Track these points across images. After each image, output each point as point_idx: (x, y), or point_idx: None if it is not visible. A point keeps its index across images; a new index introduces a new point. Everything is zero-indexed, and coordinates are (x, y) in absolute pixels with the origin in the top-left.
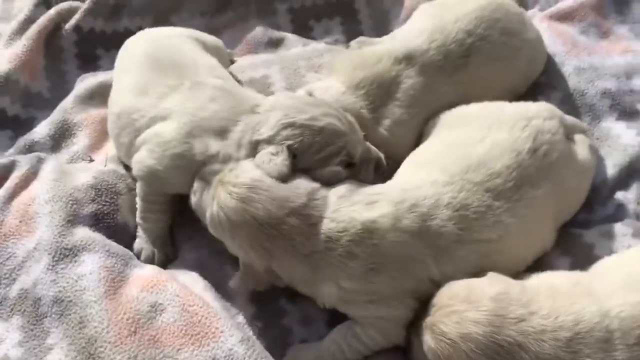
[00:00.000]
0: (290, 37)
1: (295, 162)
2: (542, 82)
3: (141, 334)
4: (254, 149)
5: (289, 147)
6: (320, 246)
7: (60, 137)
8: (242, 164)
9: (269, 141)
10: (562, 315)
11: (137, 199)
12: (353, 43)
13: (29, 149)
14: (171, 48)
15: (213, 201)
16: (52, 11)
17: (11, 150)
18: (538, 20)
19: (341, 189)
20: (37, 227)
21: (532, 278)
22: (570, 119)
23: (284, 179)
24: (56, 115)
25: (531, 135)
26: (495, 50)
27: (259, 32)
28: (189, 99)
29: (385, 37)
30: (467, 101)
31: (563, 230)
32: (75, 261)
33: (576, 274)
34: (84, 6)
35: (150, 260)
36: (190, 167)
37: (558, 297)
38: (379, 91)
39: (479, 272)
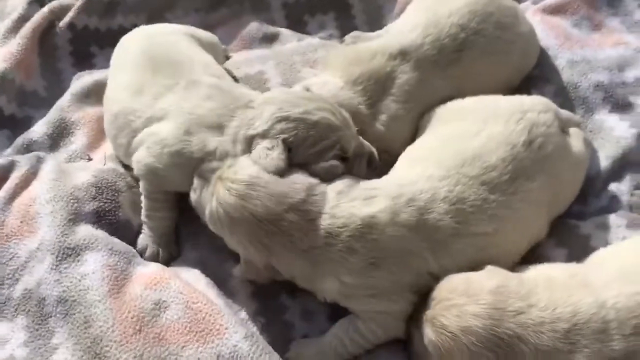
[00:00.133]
0: (284, 32)
1: (290, 157)
2: (536, 75)
3: (146, 332)
4: (249, 143)
5: (284, 141)
6: (320, 242)
7: (58, 136)
8: (240, 160)
9: (264, 135)
10: (559, 307)
11: (142, 198)
12: (347, 38)
13: (27, 148)
14: (167, 45)
15: (212, 198)
16: (46, 9)
17: (9, 150)
18: (531, 13)
19: (339, 185)
20: (39, 227)
21: (529, 270)
22: (564, 112)
23: (281, 173)
24: (53, 114)
25: (526, 128)
26: (489, 44)
27: (253, 27)
28: (185, 98)
29: (379, 32)
30: (462, 95)
31: (559, 222)
32: (78, 260)
33: (572, 266)
34: (78, 3)
35: (154, 258)
36: (189, 165)
37: (555, 289)
38: (375, 87)
39: (476, 265)
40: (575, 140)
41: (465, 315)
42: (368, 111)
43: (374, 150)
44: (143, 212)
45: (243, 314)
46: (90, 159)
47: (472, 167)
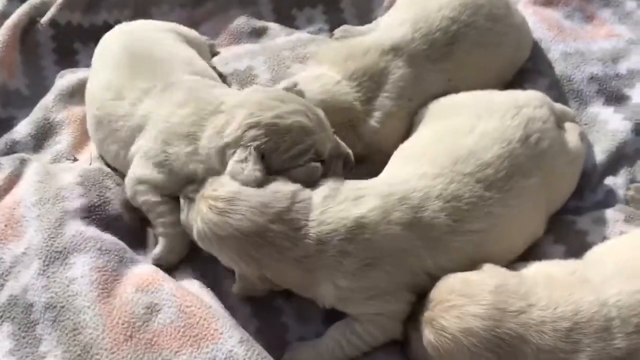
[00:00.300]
0: (273, 26)
1: (266, 164)
2: (529, 68)
3: (138, 339)
4: (222, 154)
5: (256, 149)
6: (311, 250)
7: (42, 137)
8: (221, 177)
9: (235, 143)
10: (561, 306)
11: (148, 215)
12: (337, 32)
13: (10, 149)
14: (148, 42)
15: (197, 217)
16: (26, 5)
17: None
18: (522, 5)
19: (324, 189)
20: (24, 231)
21: (528, 268)
22: (559, 106)
23: (260, 184)
24: (37, 113)
25: (522, 123)
26: (480, 36)
27: (241, 21)
28: (161, 104)
29: (369, 26)
30: (455, 90)
31: (556, 218)
32: (66, 264)
33: (571, 263)
34: None
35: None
36: (176, 174)
37: (555, 287)
38: (370, 83)
39: (473, 263)
40: (571, 135)
41: (466, 316)
42: (362, 107)
43: (349, 151)
44: (156, 226)
45: (237, 317)
46: (76, 160)
47: (466, 164)
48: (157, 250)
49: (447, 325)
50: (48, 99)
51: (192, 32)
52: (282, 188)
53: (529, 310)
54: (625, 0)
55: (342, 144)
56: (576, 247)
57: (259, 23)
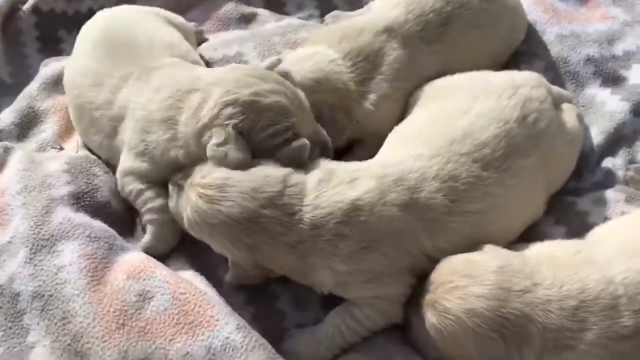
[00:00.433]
0: (262, 12)
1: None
2: (524, 50)
3: (130, 327)
4: (200, 136)
5: (234, 127)
6: (305, 234)
7: (26, 125)
8: (208, 164)
9: (211, 123)
10: (566, 285)
11: (136, 205)
12: (327, 17)
13: None
14: (128, 26)
15: (187, 205)
16: None
17: None
18: None
19: (318, 173)
20: (10, 219)
21: (530, 248)
22: (555, 89)
23: (244, 165)
24: (21, 102)
25: (519, 103)
26: (475, 17)
27: (229, 7)
28: (139, 92)
29: (360, 11)
30: (450, 72)
31: (556, 199)
32: (54, 252)
33: (574, 242)
34: None
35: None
36: (158, 162)
37: (560, 266)
38: (365, 64)
39: (472, 245)
40: (569, 115)
41: (469, 297)
42: (356, 88)
43: (328, 139)
44: (143, 214)
45: (231, 305)
46: (61, 149)
47: (462, 144)
48: (146, 239)
49: (450, 307)
50: (32, 87)
51: (178, 18)
52: (273, 172)
53: (534, 290)
54: None
55: (323, 131)
56: (577, 228)
57: (248, 9)
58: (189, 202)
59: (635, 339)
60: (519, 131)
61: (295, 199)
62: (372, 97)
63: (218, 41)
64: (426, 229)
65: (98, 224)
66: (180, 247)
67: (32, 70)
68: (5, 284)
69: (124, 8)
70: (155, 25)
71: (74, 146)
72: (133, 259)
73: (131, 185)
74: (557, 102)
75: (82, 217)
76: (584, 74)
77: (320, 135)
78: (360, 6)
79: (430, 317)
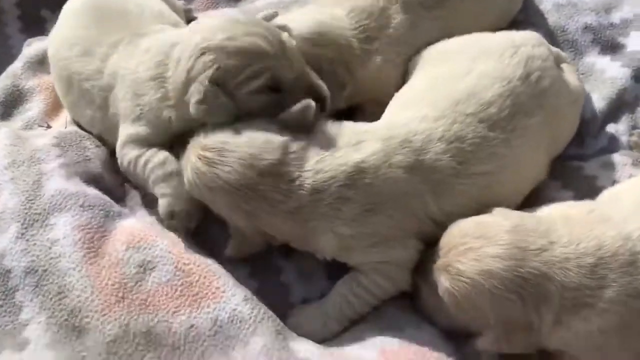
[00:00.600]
0: None
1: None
2: (521, 20)
3: (130, 299)
4: (184, 92)
5: (211, 81)
6: (305, 200)
7: (11, 104)
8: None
9: (189, 73)
10: (583, 242)
11: (138, 178)
12: None
13: None
14: None
15: (187, 165)
16: None
17: None
18: None
19: (322, 136)
20: None
21: (542, 210)
22: (554, 49)
23: (245, 126)
24: (4, 81)
25: (521, 62)
26: None
27: None
28: (130, 55)
29: None
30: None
31: (561, 164)
32: (46, 225)
33: (586, 203)
34: None
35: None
36: (155, 126)
37: (575, 224)
38: (369, 22)
39: (480, 207)
40: (570, 75)
41: (484, 258)
42: (360, 45)
43: (327, 93)
44: (153, 187)
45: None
46: (49, 127)
47: (467, 104)
48: (162, 210)
49: (465, 269)
50: (16, 66)
51: None
52: (273, 139)
53: (551, 248)
54: None
55: (320, 83)
56: (585, 192)
57: None
58: (188, 162)
59: None
60: (523, 89)
61: (295, 166)
62: (377, 60)
63: None
64: (432, 192)
65: (92, 191)
66: None
67: (15, 51)
68: None
69: None
70: None
71: (62, 123)
72: (133, 227)
73: (130, 154)
74: (556, 62)
75: (76, 185)
76: (582, 42)
77: (312, 83)
78: None
79: (444, 282)
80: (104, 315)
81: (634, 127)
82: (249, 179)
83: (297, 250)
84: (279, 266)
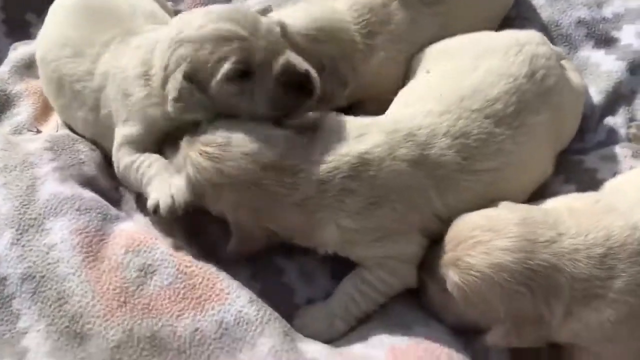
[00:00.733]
0: None
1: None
2: (514, 15)
3: (132, 304)
4: (164, 89)
5: (185, 77)
6: (312, 191)
7: None
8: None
9: (165, 69)
10: (591, 233)
11: (133, 182)
12: None
13: None
14: None
15: (186, 163)
16: None
17: None
18: None
19: (324, 129)
20: None
21: (547, 203)
22: (554, 47)
23: (207, 113)
24: None
25: (526, 60)
26: None
27: None
28: (121, 54)
29: None
30: (449, 35)
31: (562, 158)
32: (42, 230)
33: (591, 194)
34: None
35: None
36: (146, 125)
37: (581, 216)
38: (371, 16)
39: (484, 204)
40: (572, 73)
41: (494, 251)
42: (362, 41)
43: (314, 76)
44: (143, 179)
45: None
46: (39, 131)
47: (473, 100)
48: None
49: (475, 263)
50: (2, 70)
51: None
52: (275, 132)
53: (560, 239)
54: None
55: (309, 67)
56: (586, 185)
57: None
58: (189, 159)
59: None
60: (529, 87)
61: (297, 159)
62: (380, 54)
63: None
64: (436, 187)
65: (88, 194)
66: (178, 225)
67: (1, 55)
68: None
69: None
70: None
71: (52, 127)
72: (131, 230)
73: (124, 159)
74: (559, 59)
75: (71, 188)
76: (576, 37)
77: (291, 62)
78: None
79: (453, 276)
80: (107, 320)
81: (631, 120)
82: (252, 174)
83: (298, 250)
84: (280, 267)
